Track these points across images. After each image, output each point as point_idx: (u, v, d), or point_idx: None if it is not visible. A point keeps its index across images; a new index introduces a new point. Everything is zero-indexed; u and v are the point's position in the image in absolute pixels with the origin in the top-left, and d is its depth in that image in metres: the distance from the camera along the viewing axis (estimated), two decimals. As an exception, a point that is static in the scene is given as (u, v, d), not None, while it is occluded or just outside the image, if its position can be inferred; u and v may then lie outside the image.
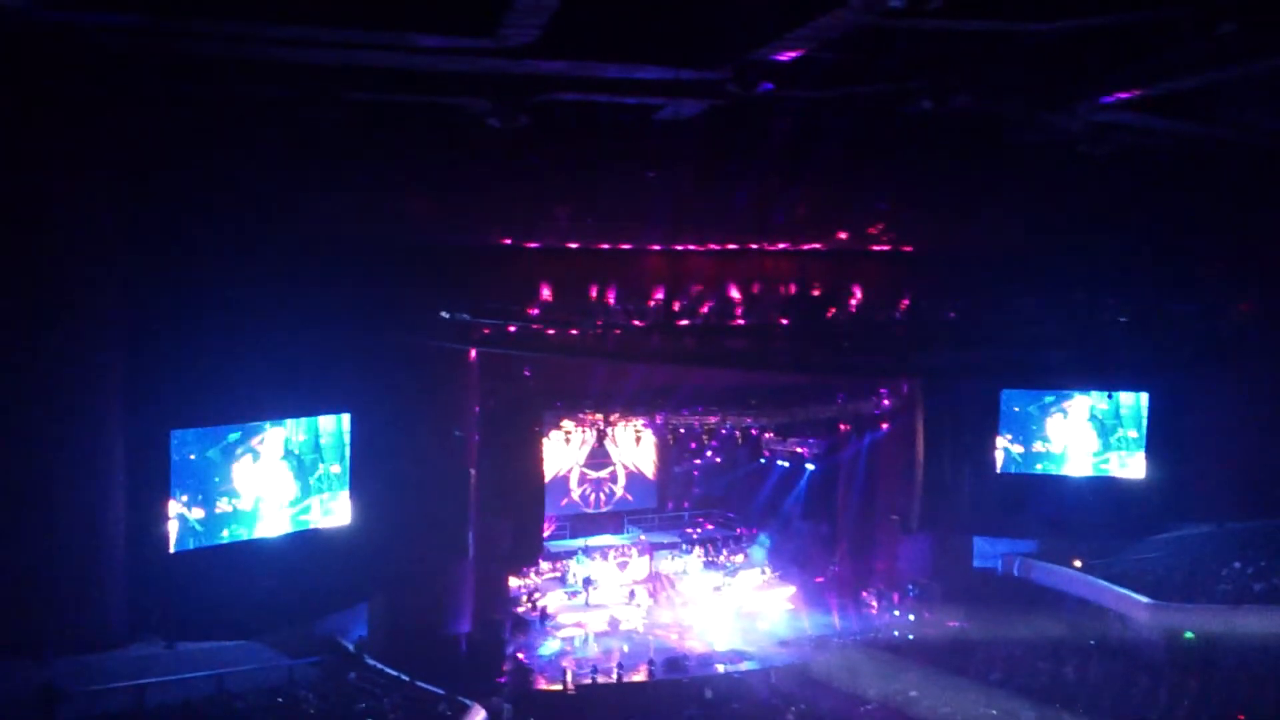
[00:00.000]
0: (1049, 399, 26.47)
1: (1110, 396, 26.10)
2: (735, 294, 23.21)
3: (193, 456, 19.42)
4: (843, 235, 24.09)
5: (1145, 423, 26.02)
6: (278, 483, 20.82)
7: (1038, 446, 26.59)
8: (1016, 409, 26.62)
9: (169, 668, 18.21)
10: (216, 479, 19.84)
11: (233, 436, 20.05)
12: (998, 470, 26.72)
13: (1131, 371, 24.93)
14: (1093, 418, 26.43)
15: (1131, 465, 26.18)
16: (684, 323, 22.13)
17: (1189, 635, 22.48)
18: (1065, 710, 20.94)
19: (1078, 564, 25.23)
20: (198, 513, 19.57)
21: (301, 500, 21.23)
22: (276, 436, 20.77)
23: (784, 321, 22.79)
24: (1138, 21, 14.04)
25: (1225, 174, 21.07)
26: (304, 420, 21.18)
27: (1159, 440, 25.86)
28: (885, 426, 27.85)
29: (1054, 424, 26.57)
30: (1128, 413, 26.15)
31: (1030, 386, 26.39)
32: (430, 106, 16.57)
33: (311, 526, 21.38)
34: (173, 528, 19.18)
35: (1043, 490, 26.36)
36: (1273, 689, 21.01)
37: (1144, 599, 23.08)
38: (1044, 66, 15.64)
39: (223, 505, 19.99)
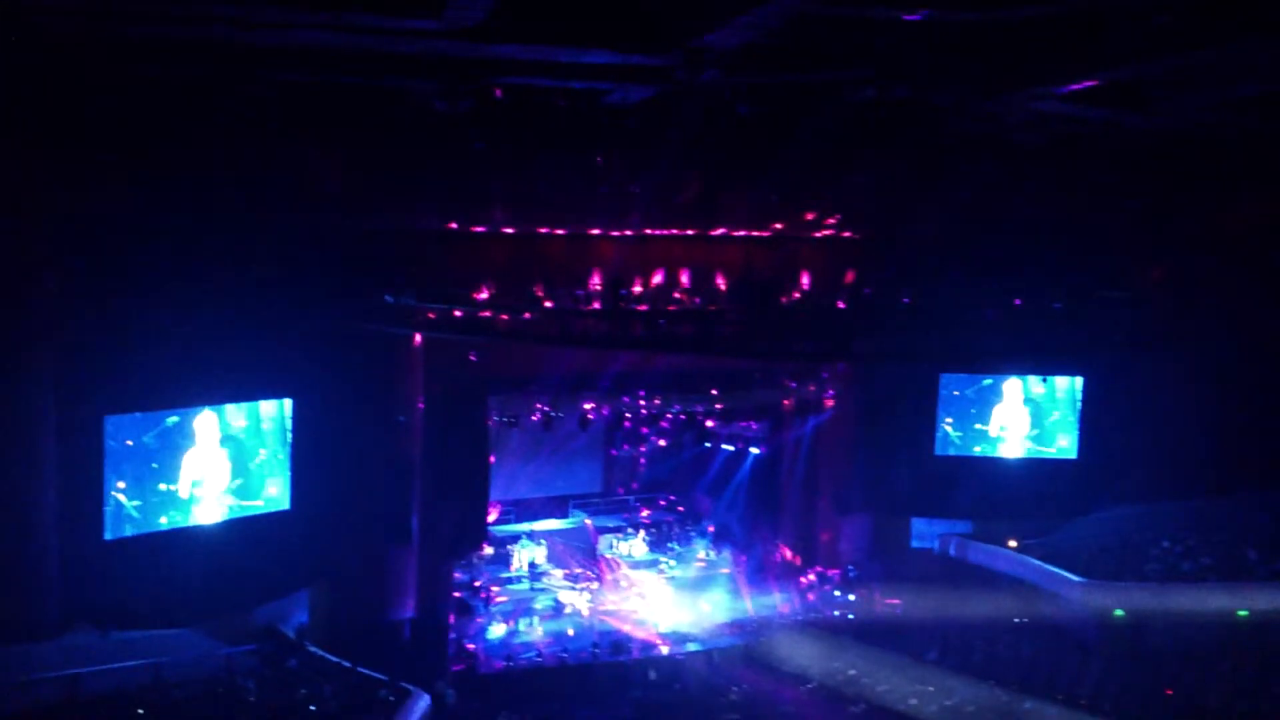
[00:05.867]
0: (986, 382, 26.92)
1: (1045, 380, 26.64)
2: (682, 279, 23.29)
3: (129, 442, 19.03)
4: (787, 222, 24.26)
5: (1079, 406, 26.60)
6: (216, 469, 20.50)
7: (975, 429, 27.05)
8: (955, 392, 27.02)
9: (104, 657, 18.02)
10: (153, 465, 19.46)
11: (170, 421, 19.69)
12: (936, 452, 27.14)
13: (1066, 356, 25.48)
14: (1028, 401, 26.94)
15: (1065, 447, 26.75)
16: (630, 308, 22.16)
17: (1119, 613, 23.05)
18: (1000, 687, 21.37)
19: (1013, 544, 25.70)
20: (133, 500, 19.21)
21: (240, 486, 20.94)
22: (214, 422, 20.45)
23: (730, 307, 22.93)
24: (1075, 12, 14.30)
25: (1158, 163, 21.55)
26: (244, 405, 20.88)
27: (1091, 423, 26.45)
28: (828, 409, 28.11)
29: (991, 407, 27.05)
30: (1062, 396, 26.71)
31: (968, 370, 26.81)
32: (375, 89, 16.38)
33: (251, 513, 21.10)
34: (108, 515, 18.80)
35: (979, 472, 26.82)
36: (1200, 665, 21.65)
37: (1076, 578, 23.59)
38: (983, 56, 15.87)
39: (159, 492, 19.64)
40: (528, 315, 22.03)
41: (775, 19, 13.16)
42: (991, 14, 13.63)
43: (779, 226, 24.46)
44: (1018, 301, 23.41)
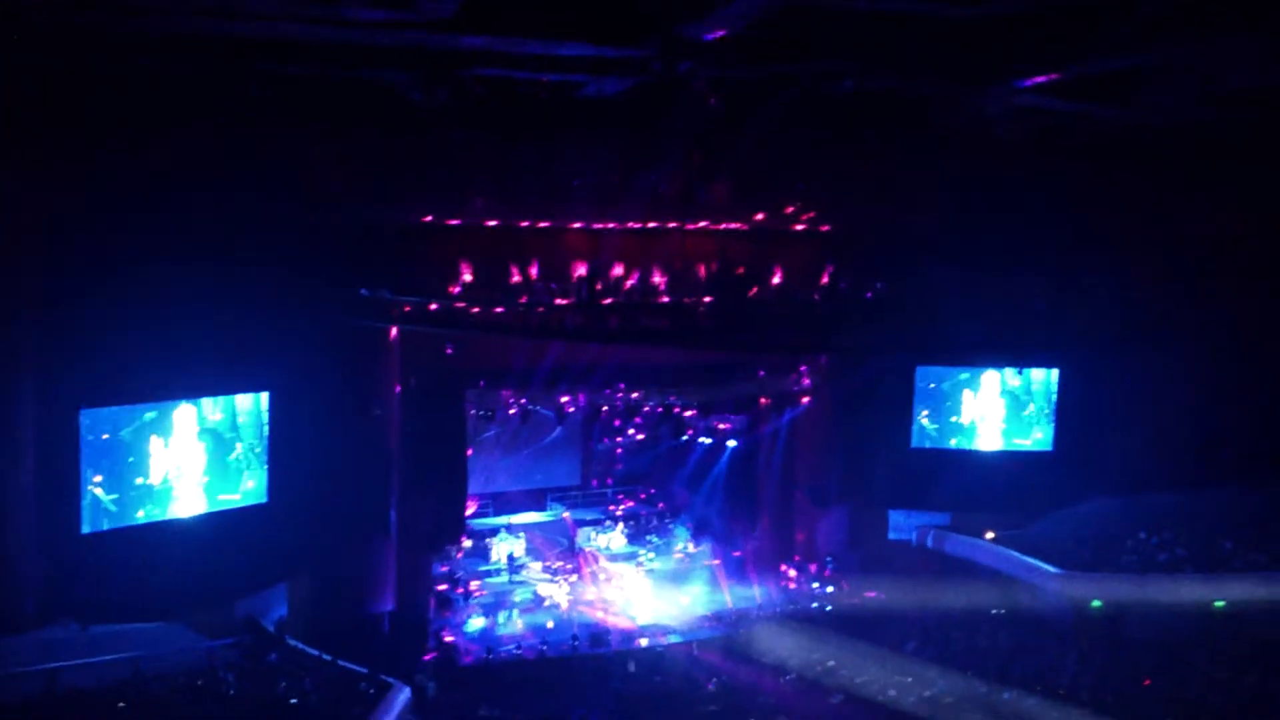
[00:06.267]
0: (963, 375, 27.03)
1: (1021, 373, 26.79)
2: (658, 272, 23.29)
3: (105, 436, 18.96)
4: (764, 215, 24.31)
5: (1055, 399, 26.76)
6: (193, 462, 20.44)
7: (951, 422, 27.20)
8: (931, 385, 27.13)
9: (82, 651, 17.97)
10: (130, 459, 19.40)
11: (148, 416, 19.61)
12: (912, 445, 27.25)
13: (1043, 348, 25.63)
14: (1005, 393, 27.09)
15: (1041, 440, 26.92)
16: (607, 301, 22.15)
17: (1096, 604, 23.22)
18: (978, 677, 21.48)
19: (990, 536, 25.85)
20: (110, 493, 19.13)
21: (218, 480, 20.86)
22: (192, 415, 20.36)
23: (706, 300, 22.95)
24: (1057, 6, 14.38)
25: (1137, 157, 21.69)
26: (221, 399, 20.80)
27: (1068, 416, 26.57)
28: (805, 402, 28.21)
29: (967, 399, 27.19)
30: (1038, 389, 26.85)
31: (945, 363, 26.92)
32: (351, 82, 16.34)
33: (229, 506, 21.03)
34: (84, 509, 18.72)
35: (956, 464, 26.92)
36: (1176, 655, 21.85)
37: (1053, 569, 23.71)
38: (964, 49, 15.93)
39: (136, 485, 19.55)
40: (504, 308, 22.00)
41: (756, 9, 13.19)
42: (982, 9, 13.70)
43: (757, 219, 24.48)
44: (995, 294, 23.52)
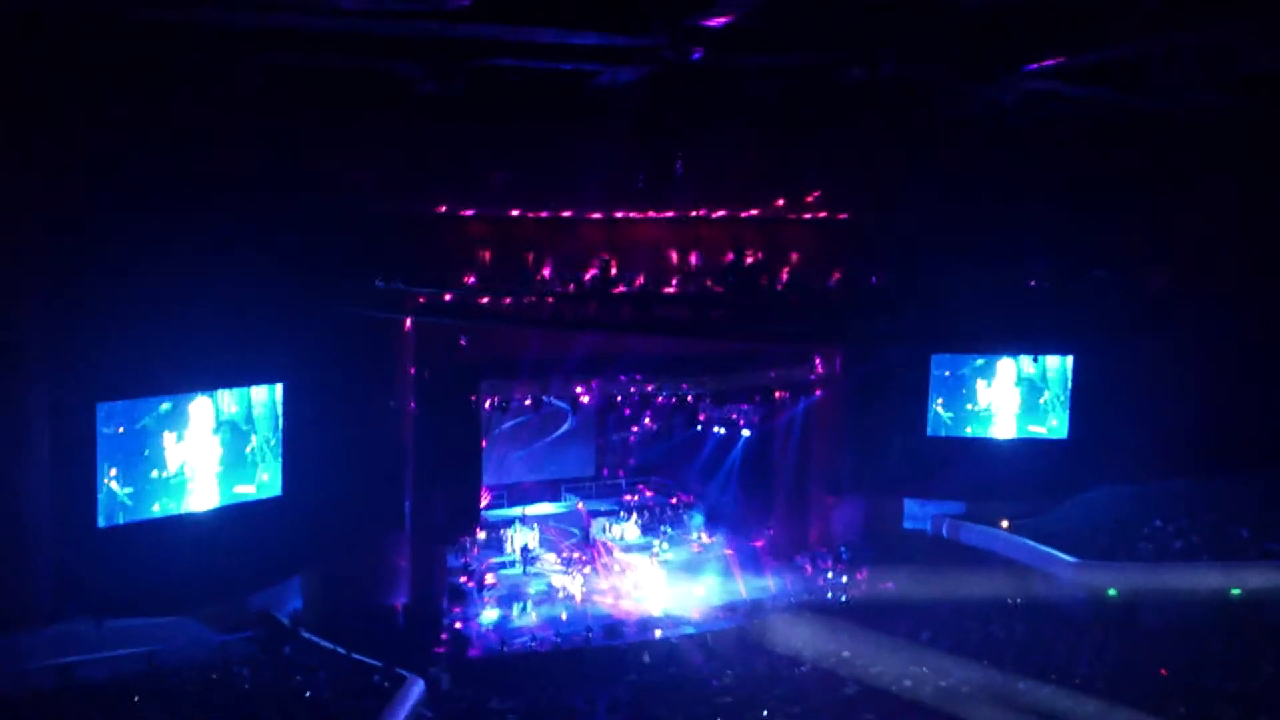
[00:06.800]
0: (978, 363, 26.95)
1: (1036, 360, 26.71)
2: (672, 262, 23.22)
3: (120, 429, 18.98)
4: (779, 203, 24.21)
5: (1070, 386, 26.64)
6: (208, 455, 20.46)
7: (966, 410, 27.09)
8: (946, 373, 27.07)
9: (98, 645, 18.08)
10: (145, 452, 19.43)
11: (163, 408, 19.63)
12: (928, 433, 27.18)
13: (1057, 336, 25.52)
14: (1020, 381, 26.98)
15: (1057, 427, 26.81)
16: (621, 291, 22.07)
17: (1112, 592, 23.14)
18: (993, 667, 21.41)
19: (1005, 524, 25.76)
20: (125, 487, 19.17)
21: (233, 472, 20.88)
22: (207, 408, 20.38)
23: (720, 289, 22.86)
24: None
25: (1145, 144, 21.57)
26: (236, 391, 20.82)
27: (1083, 403, 26.50)
28: (819, 392, 28.11)
29: (982, 388, 27.09)
30: (1054, 376, 26.77)
31: (959, 351, 26.84)
32: (366, 72, 16.32)
33: (244, 499, 21.05)
34: (100, 503, 18.76)
35: (970, 453, 26.88)
36: (1191, 643, 21.76)
37: (1068, 558, 23.68)
38: (974, 37, 15.84)
39: (151, 479, 19.59)
40: (517, 299, 21.95)
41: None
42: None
43: (774, 207, 24.41)
44: (1009, 282, 23.40)
